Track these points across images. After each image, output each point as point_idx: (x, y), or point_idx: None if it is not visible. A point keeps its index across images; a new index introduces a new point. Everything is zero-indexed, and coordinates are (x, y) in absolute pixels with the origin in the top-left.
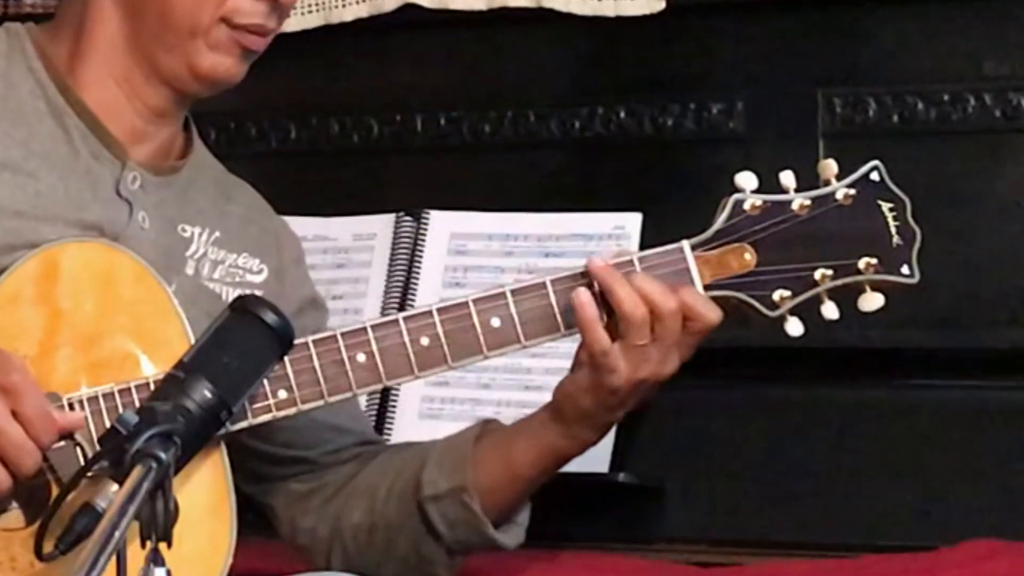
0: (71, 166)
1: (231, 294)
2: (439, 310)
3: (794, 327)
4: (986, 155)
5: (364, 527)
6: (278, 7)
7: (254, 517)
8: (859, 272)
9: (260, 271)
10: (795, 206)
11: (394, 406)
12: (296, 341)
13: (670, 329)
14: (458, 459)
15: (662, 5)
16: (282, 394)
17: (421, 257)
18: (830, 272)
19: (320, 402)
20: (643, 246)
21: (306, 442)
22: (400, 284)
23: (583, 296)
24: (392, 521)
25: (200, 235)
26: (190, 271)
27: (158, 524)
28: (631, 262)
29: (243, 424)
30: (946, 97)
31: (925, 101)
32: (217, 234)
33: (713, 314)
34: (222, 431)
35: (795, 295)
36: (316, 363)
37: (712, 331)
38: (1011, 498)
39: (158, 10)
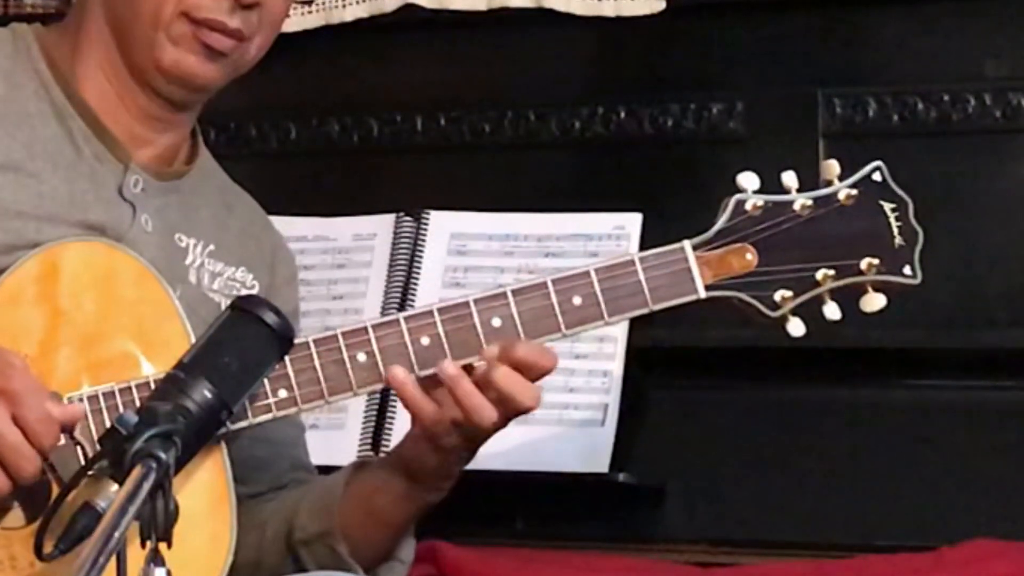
0: (74, 167)
1: None
2: (440, 310)
3: (796, 327)
4: (986, 155)
5: (252, 562)
6: (239, 7)
7: None
8: (861, 273)
9: (252, 287)
10: (797, 206)
11: (394, 406)
12: (297, 341)
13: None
14: (326, 505)
15: (662, 5)
16: (282, 393)
17: (421, 257)
18: (832, 272)
19: (320, 402)
20: (643, 246)
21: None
22: (400, 284)
23: (399, 376)
24: (271, 561)
25: (195, 246)
26: (193, 279)
27: (158, 524)
28: (632, 262)
29: (243, 424)
30: (946, 97)
31: (925, 101)
32: (211, 247)
33: (550, 361)
34: (222, 431)
35: (797, 295)
36: (317, 363)
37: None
38: (1011, 498)
39: (127, 1)
